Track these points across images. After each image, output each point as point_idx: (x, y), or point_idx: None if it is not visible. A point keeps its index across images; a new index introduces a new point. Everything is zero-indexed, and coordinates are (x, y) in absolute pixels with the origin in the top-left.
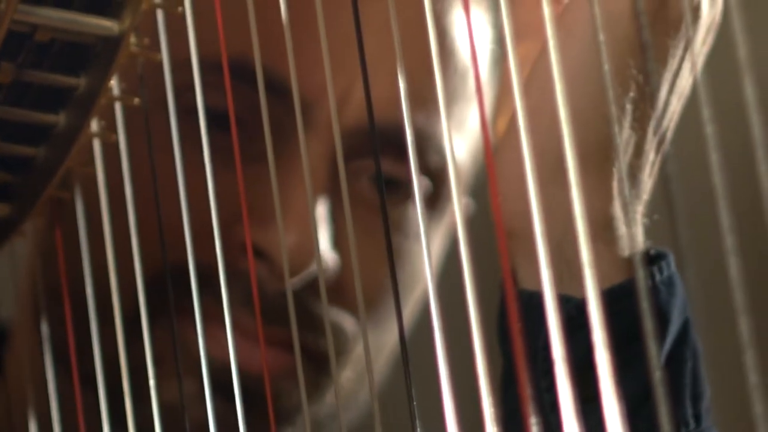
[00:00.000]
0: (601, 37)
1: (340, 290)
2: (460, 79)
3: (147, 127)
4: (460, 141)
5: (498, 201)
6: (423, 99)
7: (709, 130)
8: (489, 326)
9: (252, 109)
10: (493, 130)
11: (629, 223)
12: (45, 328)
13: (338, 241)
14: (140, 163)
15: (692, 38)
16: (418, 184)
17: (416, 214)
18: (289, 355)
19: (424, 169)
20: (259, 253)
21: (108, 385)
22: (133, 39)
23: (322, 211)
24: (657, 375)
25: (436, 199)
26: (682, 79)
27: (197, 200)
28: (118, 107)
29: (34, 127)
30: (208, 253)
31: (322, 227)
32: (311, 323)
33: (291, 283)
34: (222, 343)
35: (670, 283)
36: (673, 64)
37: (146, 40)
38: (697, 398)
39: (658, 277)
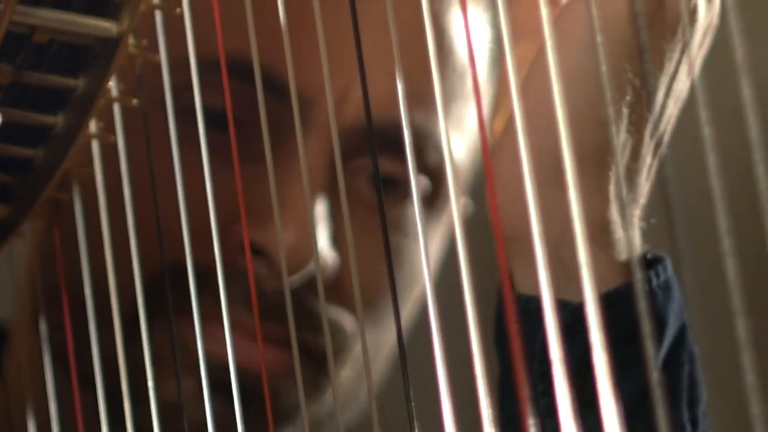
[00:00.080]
0: (599, 38)
1: (339, 289)
2: (459, 78)
3: (146, 128)
4: (459, 140)
5: (496, 204)
6: (422, 98)
7: (707, 132)
8: (487, 327)
9: (251, 108)
10: (490, 131)
11: (626, 226)
12: (44, 327)
13: (337, 240)
14: (139, 163)
15: (689, 41)
16: (416, 184)
17: (420, 212)
18: (289, 354)
19: (423, 168)
20: (259, 252)
21: (108, 385)
22: (131, 40)
23: (321, 209)
24: (654, 377)
25: (435, 198)
26: (679, 83)
27: (196, 200)
28: (116, 108)
29: (32, 128)
30: (208, 252)
31: (321, 226)
32: (310, 322)
33: (290, 282)
34: (222, 342)
35: (666, 287)
36: (670, 68)
37: (145, 42)
38: (693, 402)
39: (654, 281)
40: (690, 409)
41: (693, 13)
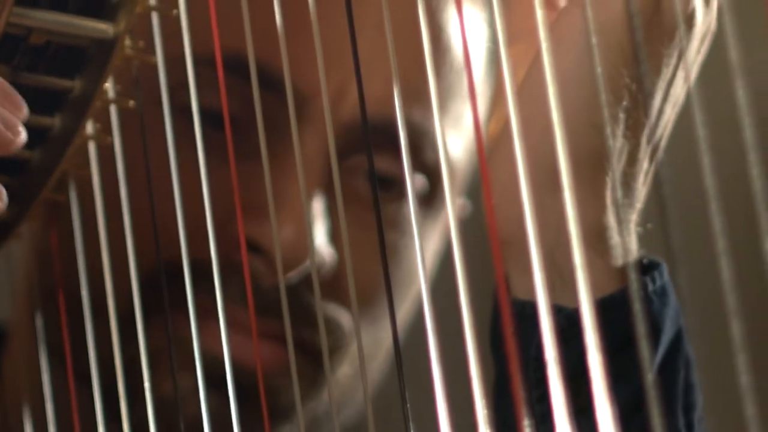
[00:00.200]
0: (594, 40)
1: (337, 286)
2: (457, 76)
3: (142, 129)
4: (456, 138)
5: (492, 207)
6: (420, 95)
7: (702, 133)
8: (484, 329)
9: (249, 105)
10: (486, 131)
11: (622, 232)
12: (39, 323)
13: (335, 237)
14: (136, 163)
15: (686, 47)
16: (411, 182)
17: (417, 210)
18: (287, 351)
19: (421, 165)
20: (257, 249)
21: (107, 383)
22: (127, 41)
23: (318, 206)
24: (649, 380)
25: (432, 197)
26: (676, 88)
27: (195, 197)
28: (113, 110)
29: (29, 130)
30: (207, 249)
31: (319, 222)
32: (308, 318)
33: (287, 278)
34: (220, 338)
35: (662, 292)
36: (667, 73)
37: (141, 43)
38: (689, 408)
39: (650, 286)
40: (685, 415)
41: (690, 18)
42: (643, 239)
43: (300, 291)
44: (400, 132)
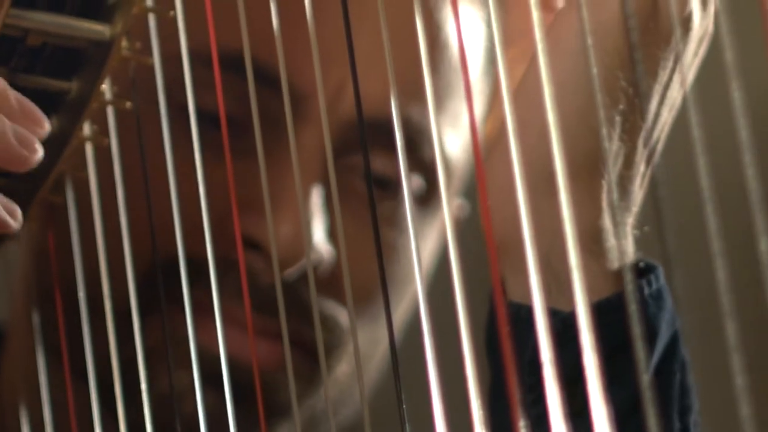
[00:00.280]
0: (590, 41)
1: (336, 283)
2: (455, 74)
3: (138, 130)
4: (455, 137)
5: (488, 212)
6: (419, 93)
7: (697, 134)
8: (480, 328)
9: (248, 104)
10: (483, 131)
11: (618, 235)
12: (36, 319)
13: (334, 234)
14: (134, 164)
15: (683, 50)
16: (407, 181)
17: (413, 209)
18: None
19: (419, 163)
20: (256, 246)
21: (105, 381)
22: (124, 43)
23: (317, 203)
24: (645, 384)
25: (430, 195)
26: (672, 91)
27: (193, 195)
28: (110, 111)
29: None
30: (205, 246)
31: (318, 219)
32: (307, 316)
33: (286, 274)
34: (218, 335)
35: (658, 296)
36: (663, 76)
37: (138, 44)
38: (684, 412)
39: (646, 290)
40: (681, 418)
41: (687, 21)
42: (639, 241)
43: (299, 288)
44: (396, 132)
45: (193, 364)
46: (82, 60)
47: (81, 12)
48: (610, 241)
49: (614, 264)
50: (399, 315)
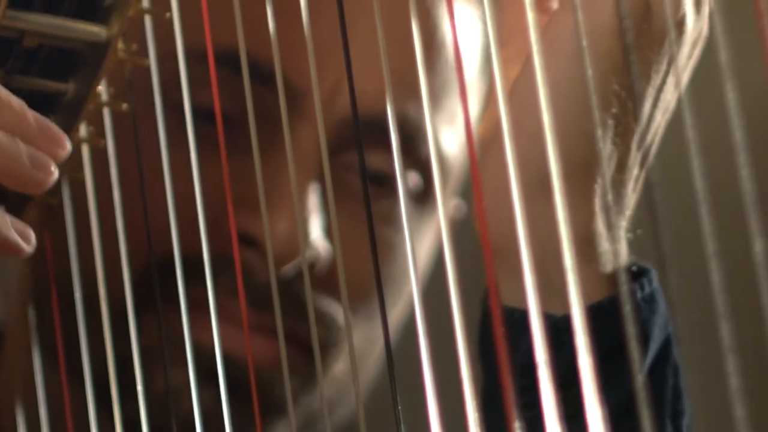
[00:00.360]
0: (585, 43)
1: (333, 280)
2: (452, 72)
3: (135, 131)
4: (452, 135)
5: (484, 215)
6: (416, 91)
7: (691, 136)
8: (476, 329)
9: (244, 101)
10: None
11: (612, 239)
12: (32, 315)
13: (331, 231)
14: (131, 165)
15: (676, 53)
16: (402, 180)
17: (408, 207)
18: (285, 345)
19: (417, 161)
20: (254, 243)
21: (102, 380)
22: (120, 44)
23: (314, 200)
24: (639, 388)
25: (427, 193)
26: (666, 94)
27: (190, 192)
28: (106, 113)
29: None
30: (202, 243)
31: (315, 216)
32: (304, 312)
33: (283, 271)
34: (219, 333)
35: (651, 300)
36: (656, 79)
37: (134, 46)
38: (677, 416)
39: (639, 294)
40: (674, 422)
41: (681, 24)
42: (633, 244)
43: (296, 285)
44: (390, 131)
45: (189, 362)
46: (78, 61)
47: (77, 13)
48: (603, 245)
49: (606, 267)
50: (396, 314)
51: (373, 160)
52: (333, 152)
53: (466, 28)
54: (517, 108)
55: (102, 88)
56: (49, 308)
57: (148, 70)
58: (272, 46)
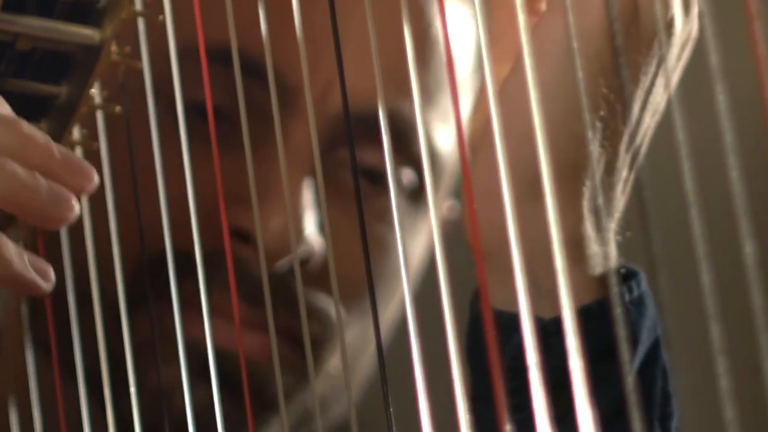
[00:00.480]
0: (575, 44)
1: (327, 276)
2: (446, 69)
3: (128, 133)
4: (446, 132)
5: (475, 218)
6: (411, 88)
7: (681, 137)
8: (465, 333)
9: (237, 96)
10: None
11: (601, 241)
12: (25, 315)
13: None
14: (124, 167)
15: (665, 55)
16: (392, 177)
17: (404, 204)
18: (279, 341)
19: (411, 158)
20: (248, 238)
21: (95, 377)
22: (114, 47)
23: (309, 196)
24: (629, 392)
25: (422, 190)
26: (655, 96)
27: (184, 187)
28: (99, 115)
29: None
30: (199, 238)
31: (309, 212)
32: (299, 308)
33: (277, 266)
34: (213, 328)
35: (640, 303)
36: (645, 82)
37: (127, 48)
38: (666, 418)
39: (627, 296)
40: (662, 425)
41: (669, 26)
42: (622, 247)
43: (290, 280)
44: (381, 126)
45: (180, 358)
46: (71, 64)
47: (70, 16)
48: (592, 247)
49: (595, 270)
50: (390, 311)
51: (367, 157)
52: (327, 148)
53: (459, 26)
54: (506, 110)
55: (95, 91)
56: (42, 306)
57: (141, 71)
58: (264, 42)
